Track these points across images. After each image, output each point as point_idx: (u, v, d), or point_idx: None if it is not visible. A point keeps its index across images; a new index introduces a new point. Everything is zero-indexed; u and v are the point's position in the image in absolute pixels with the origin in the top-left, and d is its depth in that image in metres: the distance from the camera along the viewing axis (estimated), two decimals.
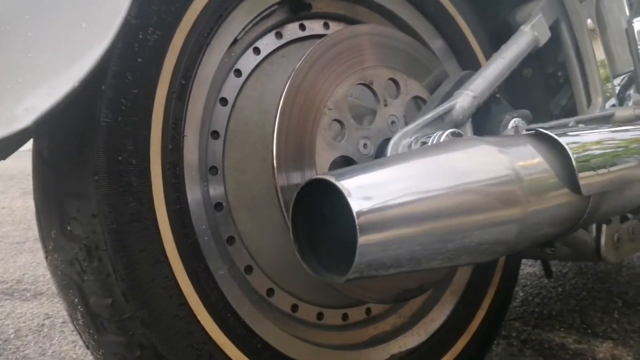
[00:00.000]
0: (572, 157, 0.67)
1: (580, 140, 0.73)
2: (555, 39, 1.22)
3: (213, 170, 0.87)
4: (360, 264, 0.52)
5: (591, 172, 0.69)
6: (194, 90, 0.82)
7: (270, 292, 0.91)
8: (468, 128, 0.96)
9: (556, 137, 0.69)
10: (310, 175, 0.84)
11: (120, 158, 0.69)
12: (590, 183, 0.70)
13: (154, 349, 0.68)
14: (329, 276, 0.56)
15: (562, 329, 1.46)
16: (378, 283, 0.89)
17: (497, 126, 1.01)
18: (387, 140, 0.91)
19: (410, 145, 0.90)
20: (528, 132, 0.77)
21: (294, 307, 0.93)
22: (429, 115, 0.93)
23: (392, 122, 0.96)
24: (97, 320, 0.69)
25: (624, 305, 1.58)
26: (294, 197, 0.59)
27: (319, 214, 0.58)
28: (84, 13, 0.64)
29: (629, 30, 1.12)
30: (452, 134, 0.86)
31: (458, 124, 0.94)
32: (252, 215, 0.90)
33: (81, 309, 0.70)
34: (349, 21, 1.08)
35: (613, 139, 0.77)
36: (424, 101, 1.02)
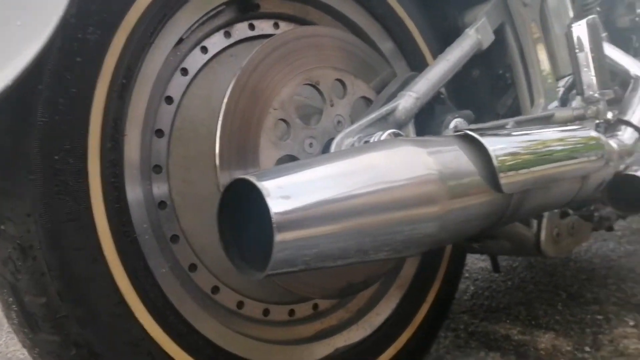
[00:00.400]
0: (494, 157, 0.71)
1: (505, 141, 0.76)
2: (501, 41, 1.26)
3: (157, 168, 0.87)
4: (278, 260, 0.54)
5: (512, 172, 0.73)
6: (136, 89, 0.83)
7: (215, 289, 0.92)
8: (410, 128, 0.99)
9: (479, 138, 0.72)
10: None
11: (56, 157, 0.69)
12: (512, 182, 0.73)
13: (89, 347, 0.68)
14: (250, 272, 0.58)
15: (508, 321, 1.51)
16: (321, 278, 0.91)
17: (439, 126, 1.04)
18: (333, 139, 0.94)
19: (353, 145, 0.92)
20: (455, 133, 0.80)
21: (240, 304, 0.95)
22: (373, 116, 0.95)
23: (339, 122, 0.98)
24: (31, 319, 0.69)
25: (568, 298, 1.65)
26: (220, 196, 0.60)
27: (246, 212, 0.60)
28: (20, 11, 0.64)
29: (568, 34, 1.17)
30: (392, 134, 0.89)
31: (401, 124, 0.97)
32: (197, 214, 0.90)
33: (15, 308, 0.70)
34: (299, 22, 1.09)
35: (537, 140, 0.81)
36: (371, 102, 1.05)
